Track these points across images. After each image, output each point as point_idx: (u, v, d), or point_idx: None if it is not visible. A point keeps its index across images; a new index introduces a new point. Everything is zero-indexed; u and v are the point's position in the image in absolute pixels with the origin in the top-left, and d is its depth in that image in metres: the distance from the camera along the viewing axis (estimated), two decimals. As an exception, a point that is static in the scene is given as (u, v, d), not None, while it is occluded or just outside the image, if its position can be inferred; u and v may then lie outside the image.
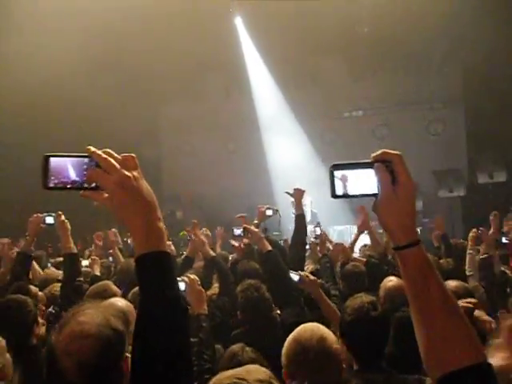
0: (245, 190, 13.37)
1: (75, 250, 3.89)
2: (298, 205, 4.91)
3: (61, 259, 4.77)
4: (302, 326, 2.06)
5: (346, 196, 1.24)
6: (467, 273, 4.91)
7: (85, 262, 5.59)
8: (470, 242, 5.32)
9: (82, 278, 3.86)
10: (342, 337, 2.32)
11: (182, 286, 3.11)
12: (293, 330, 2.27)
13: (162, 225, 1.25)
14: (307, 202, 10.75)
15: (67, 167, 1.23)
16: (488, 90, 11.26)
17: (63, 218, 3.93)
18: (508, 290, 4.55)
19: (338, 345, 2.01)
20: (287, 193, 5.15)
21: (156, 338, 1.16)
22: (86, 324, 1.57)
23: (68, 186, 1.23)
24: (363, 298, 2.57)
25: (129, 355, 1.61)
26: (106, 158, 1.22)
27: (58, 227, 3.91)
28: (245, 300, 3.25)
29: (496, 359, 1.85)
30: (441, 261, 4.98)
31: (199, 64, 12.48)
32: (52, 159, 1.22)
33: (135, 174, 1.24)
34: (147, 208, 1.22)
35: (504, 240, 5.45)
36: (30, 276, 4.85)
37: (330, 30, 11.67)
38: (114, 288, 3.52)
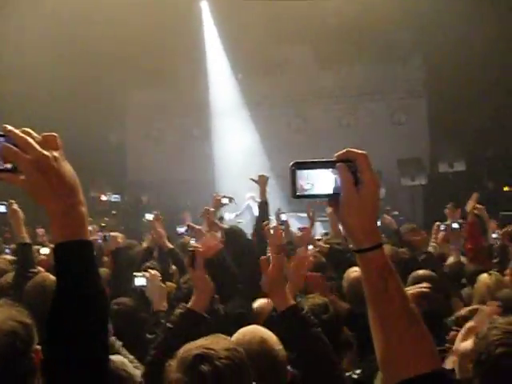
0: (209, 176, 13.33)
1: (28, 240, 3.78)
2: (263, 192, 4.96)
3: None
4: (240, 330, 1.98)
5: (306, 196, 1.20)
6: None
7: (45, 250, 5.44)
8: (432, 235, 5.54)
9: (35, 269, 3.76)
10: None
11: (142, 281, 3.07)
12: (238, 321, 2.26)
13: (84, 210, 1.16)
14: (249, 196, 10.82)
15: None
16: (450, 80, 11.47)
17: (15, 206, 3.82)
18: (464, 280, 4.65)
19: (281, 346, 1.92)
20: (252, 179, 5.20)
21: (69, 337, 1.10)
22: None
23: None
24: (315, 299, 2.58)
25: (39, 348, 1.64)
26: (23, 137, 1.12)
27: (10, 216, 3.80)
28: (188, 291, 3.21)
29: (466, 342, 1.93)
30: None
31: (165, 49, 12.24)
32: None
33: (55, 154, 1.15)
34: (67, 191, 1.14)
35: (454, 225, 5.57)
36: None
37: (298, 19, 11.66)
38: (53, 278, 3.44)
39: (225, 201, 5.39)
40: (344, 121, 14.16)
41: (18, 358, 1.56)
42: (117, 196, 11.99)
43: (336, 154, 1.18)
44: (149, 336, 2.70)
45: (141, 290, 3.12)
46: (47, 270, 3.90)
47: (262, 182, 5.02)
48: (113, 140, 14.79)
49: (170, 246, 4.49)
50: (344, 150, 1.18)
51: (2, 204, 4.00)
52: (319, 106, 14.27)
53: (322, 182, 1.19)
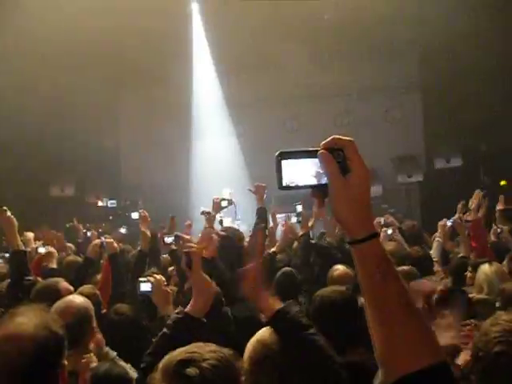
0: (203, 178, 13.26)
1: (23, 247, 3.73)
2: (260, 200, 5.30)
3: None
4: (265, 328, 1.98)
5: (293, 187, 1.16)
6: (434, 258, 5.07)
7: (41, 250, 5.32)
8: (439, 230, 5.58)
9: (31, 277, 3.70)
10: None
11: (148, 286, 3.02)
12: (246, 325, 2.21)
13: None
14: (226, 193, 10.86)
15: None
16: (445, 75, 11.47)
17: (9, 213, 3.76)
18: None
19: None
20: (249, 190, 5.55)
21: None
22: (23, 324, 1.49)
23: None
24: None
25: (66, 363, 1.55)
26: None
27: (3, 223, 3.74)
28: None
29: (444, 338, 1.86)
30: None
31: (155, 49, 12.14)
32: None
33: None
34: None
35: (448, 223, 5.72)
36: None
37: (292, 16, 11.63)
38: (66, 285, 3.39)
39: (224, 203, 5.39)
40: (338, 120, 14.13)
41: (43, 373, 1.46)
42: (113, 201, 11.95)
43: (322, 143, 1.14)
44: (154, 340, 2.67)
45: (146, 296, 3.08)
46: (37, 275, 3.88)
47: (259, 190, 5.36)
48: (108, 145, 14.72)
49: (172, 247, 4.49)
50: (330, 138, 1.14)
51: None
52: (312, 105, 14.24)
53: (308, 172, 1.15)
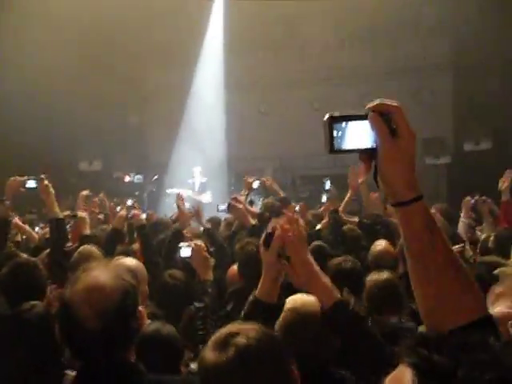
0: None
1: (61, 215, 3.80)
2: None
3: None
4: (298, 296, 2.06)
5: (343, 151, 1.16)
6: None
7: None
8: (463, 210, 5.44)
9: (70, 244, 3.78)
10: None
11: (188, 251, 3.08)
12: (290, 288, 2.18)
13: None
14: (196, 172, 10.87)
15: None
16: (476, 58, 11.21)
17: (46, 182, 3.81)
18: None
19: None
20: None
21: None
22: (101, 277, 1.59)
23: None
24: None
25: (142, 309, 1.73)
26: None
27: (42, 192, 3.79)
28: (244, 255, 3.34)
29: (499, 307, 1.85)
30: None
31: (174, 27, 12.07)
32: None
33: None
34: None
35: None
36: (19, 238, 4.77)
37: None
38: (99, 252, 3.47)
39: (256, 184, 5.31)
40: (366, 99, 13.80)
41: (127, 317, 1.58)
42: (139, 177, 12.02)
43: (367, 107, 1.15)
44: (197, 304, 2.73)
45: (186, 261, 3.17)
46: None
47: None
48: (133, 121, 14.77)
49: (207, 225, 4.52)
50: (376, 102, 1.15)
51: (32, 179, 3.89)
52: (340, 86, 14.05)
53: (358, 135, 1.16)
